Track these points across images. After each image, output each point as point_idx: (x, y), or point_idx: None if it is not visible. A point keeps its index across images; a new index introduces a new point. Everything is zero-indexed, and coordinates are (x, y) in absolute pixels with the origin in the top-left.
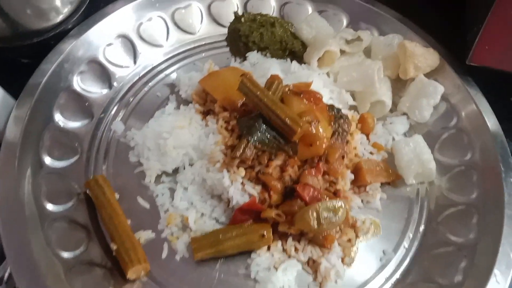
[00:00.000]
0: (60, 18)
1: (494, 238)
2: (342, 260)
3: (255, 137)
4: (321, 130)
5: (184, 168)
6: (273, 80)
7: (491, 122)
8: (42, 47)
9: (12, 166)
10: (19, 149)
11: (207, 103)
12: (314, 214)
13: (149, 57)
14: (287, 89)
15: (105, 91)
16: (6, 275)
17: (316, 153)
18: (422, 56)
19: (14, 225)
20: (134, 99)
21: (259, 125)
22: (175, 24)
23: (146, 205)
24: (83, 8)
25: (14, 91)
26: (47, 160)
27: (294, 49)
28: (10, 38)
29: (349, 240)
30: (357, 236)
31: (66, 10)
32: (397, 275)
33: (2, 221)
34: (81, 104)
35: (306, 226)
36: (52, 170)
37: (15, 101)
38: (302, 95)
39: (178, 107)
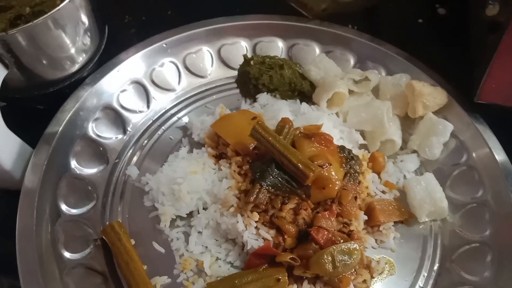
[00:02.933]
0: (75, 67)
1: (509, 276)
2: None
3: (268, 182)
4: (333, 173)
5: (198, 213)
6: (284, 123)
7: (501, 159)
8: (57, 95)
9: (30, 216)
10: (37, 198)
11: (219, 146)
12: (329, 257)
13: (162, 101)
14: (298, 132)
15: (119, 136)
16: None
17: (329, 196)
18: (430, 95)
19: (33, 276)
20: (148, 142)
21: (271, 169)
22: (187, 68)
23: (162, 250)
24: (97, 57)
25: (30, 138)
26: (64, 208)
27: (303, 90)
28: (27, 89)
29: (364, 281)
30: (372, 277)
31: (81, 59)
32: None
33: (22, 272)
34: (96, 151)
35: (321, 270)
36: (70, 217)
37: (32, 149)
38: (313, 138)
39: (191, 151)
